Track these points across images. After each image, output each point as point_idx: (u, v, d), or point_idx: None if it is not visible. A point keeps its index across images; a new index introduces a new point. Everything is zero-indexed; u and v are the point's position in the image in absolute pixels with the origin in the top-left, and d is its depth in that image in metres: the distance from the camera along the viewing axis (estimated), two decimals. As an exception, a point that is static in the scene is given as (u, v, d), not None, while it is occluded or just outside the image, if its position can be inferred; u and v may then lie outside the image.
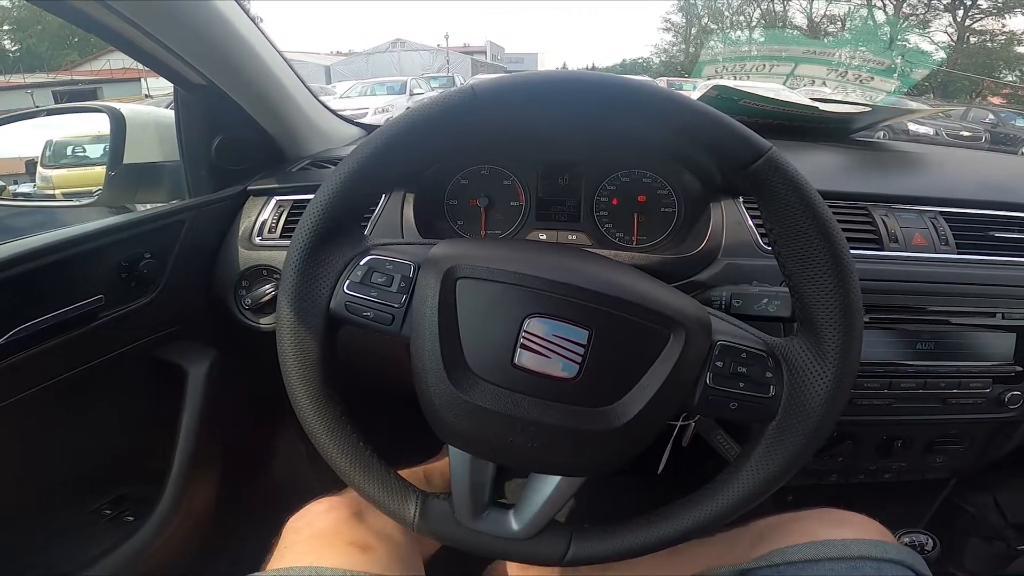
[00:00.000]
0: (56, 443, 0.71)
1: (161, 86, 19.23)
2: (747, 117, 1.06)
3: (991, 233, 0.75)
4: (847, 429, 0.79)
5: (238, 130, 0.85)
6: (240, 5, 0.76)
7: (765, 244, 0.72)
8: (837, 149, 0.94)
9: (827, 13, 24.66)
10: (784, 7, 26.33)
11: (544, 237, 0.78)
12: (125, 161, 0.83)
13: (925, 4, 21.63)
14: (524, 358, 0.42)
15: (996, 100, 18.25)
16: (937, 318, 0.72)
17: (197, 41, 0.72)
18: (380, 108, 9.60)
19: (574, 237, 0.77)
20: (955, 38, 21.31)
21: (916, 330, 0.72)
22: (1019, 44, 20.38)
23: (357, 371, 0.64)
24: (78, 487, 0.75)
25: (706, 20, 30.47)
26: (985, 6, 20.48)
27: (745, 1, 27.46)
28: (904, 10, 21.96)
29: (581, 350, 0.42)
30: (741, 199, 0.74)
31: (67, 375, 0.67)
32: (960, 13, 21.00)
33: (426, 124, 0.44)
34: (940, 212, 0.76)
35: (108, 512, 0.77)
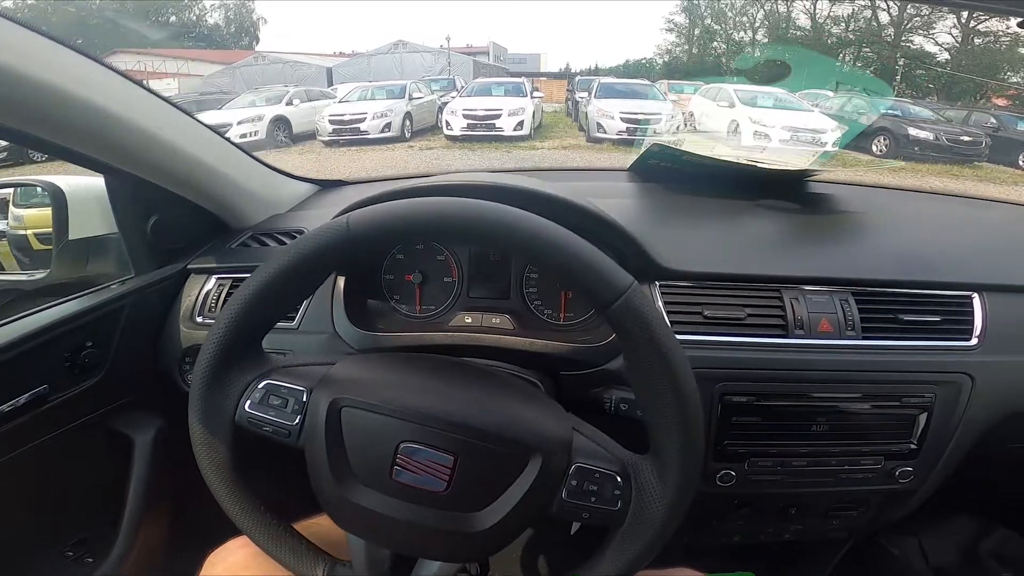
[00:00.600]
0: (22, 498, 0.78)
1: (163, 88, 19.29)
2: (694, 169, 1.07)
3: (899, 316, 0.77)
4: (745, 498, 0.82)
5: (173, 208, 0.85)
6: (149, 90, 0.75)
7: (676, 333, 0.74)
8: (766, 217, 0.94)
9: (831, 14, 24.57)
10: (787, 8, 26.24)
11: (469, 321, 0.80)
12: (71, 236, 0.85)
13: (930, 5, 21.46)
14: (400, 474, 0.48)
15: (1000, 101, 18.15)
16: (836, 404, 0.74)
17: (82, 136, 0.69)
18: (378, 113, 9.60)
19: (497, 320, 0.80)
20: (959, 39, 21.22)
21: (812, 413, 0.74)
22: (1023, 46, 20.26)
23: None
24: (43, 533, 0.83)
25: (709, 21, 30.40)
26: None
27: (748, 2, 27.41)
28: (908, 11, 21.86)
29: (448, 471, 0.48)
30: (657, 284, 0.76)
31: (23, 449, 0.74)
32: (964, 14, 20.87)
33: (303, 264, 0.49)
34: (852, 292, 0.78)
35: (70, 554, 0.86)
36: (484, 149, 8.72)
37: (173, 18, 32.78)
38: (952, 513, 1.11)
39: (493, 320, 0.80)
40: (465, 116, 9.34)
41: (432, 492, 0.48)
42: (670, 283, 0.77)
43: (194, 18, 33.05)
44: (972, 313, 0.79)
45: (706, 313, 0.75)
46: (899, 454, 0.77)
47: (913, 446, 0.77)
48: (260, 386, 0.51)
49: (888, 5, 22.29)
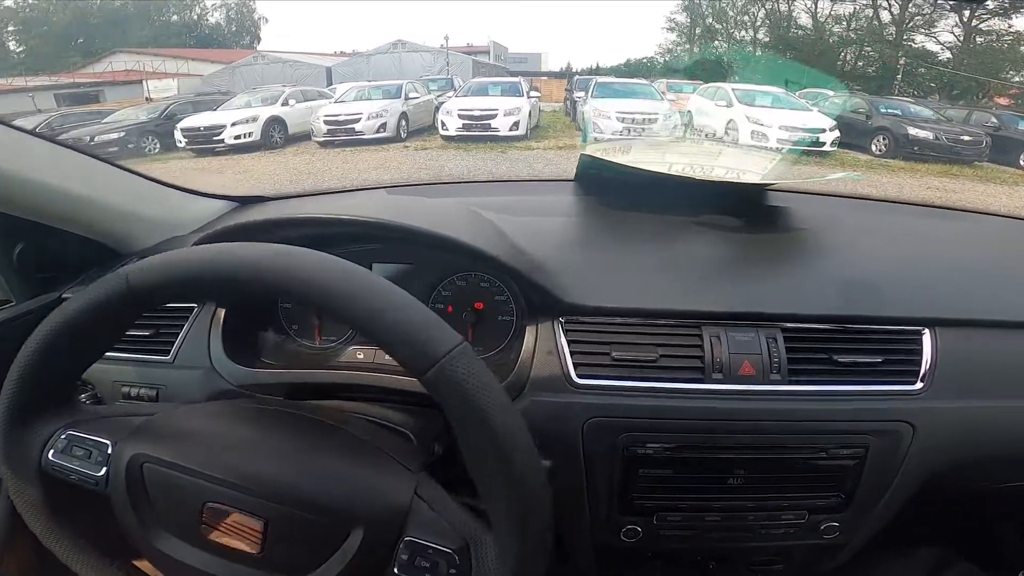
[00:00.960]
0: None
1: (162, 88, 19.32)
2: (639, 179, 0.99)
3: (834, 356, 0.68)
4: (659, 549, 0.76)
5: (41, 236, 0.79)
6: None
7: (578, 378, 0.68)
8: (702, 239, 0.86)
9: (832, 13, 24.40)
10: (789, 7, 26.09)
11: (361, 356, 0.75)
12: None
13: (931, 4, 21.36)
14: (209, 533, 0.46)
15: (1003, 101, 18.00)
16: (754, 456, 0.67)
17: None
18: (373, 113, 9.55)
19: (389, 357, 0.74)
20: (961, 38, 21.05)
21: (728, 466, 0.68)
22: (1025, 44, 20.08)
23: None
24: None
25: (710, 20, 30.25)
26: (992, 6, 20.21)
27: (749, 1, 27.25)
28: (910, 9, 21.71)
29: (260, 534, 0.45)
30: (562, 319, 0.70)
31: None
32: (967, 13, 20.73)
33: (78, 322, 0.46)
34: (781, 329, 0.69)
35: None
36: (479, 150, 8.68)
37: (175, 17, 32.84)
38: (910, 546, 1.05)
39: (385, 356, 0.74)
40: (460, 116, 9.29)
41: (246, 553, 0.45)
42: (576, 319, 0.70)
43: (195, 18, 33.10)
44: (919, 352, 0.70)
45: (614, 354, 0.68)
46: (825, 508, 0.70)
47: (841, 499, 0.70)
48: (63, 436, 0.50)
49: (889, 3, 22.18)
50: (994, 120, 10.86)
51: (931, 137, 9.25)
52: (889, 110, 10.32)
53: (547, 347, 0.68)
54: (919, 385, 0.69)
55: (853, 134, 9.47)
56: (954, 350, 0.71)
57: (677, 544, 0.72)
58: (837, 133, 8.82)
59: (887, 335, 0.70)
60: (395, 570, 0.44)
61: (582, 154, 0.94)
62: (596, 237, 0.85)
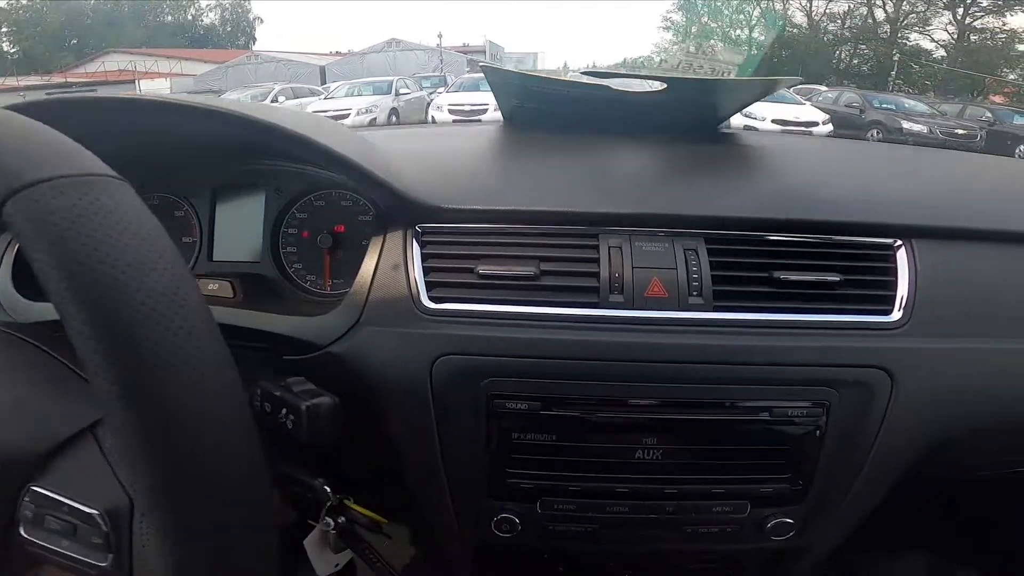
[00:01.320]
0: None
1: (155, 87, 19.22)
2: (573, 110, 0.81)
3: (775, 273, 0.50)
4: (551, 549, 0.59)
5: None
6: None
7: (429, 301, 0.50)
8: (626, 150, 0.70)
9: (827, 11, 24.41)
10: (784, 5, 26.09)
11: (215, 288, 0.60)
12: None
13: (925, 1, 21.36)
14: None
15: (998, 99, 17.97)
16: (670, 416, 0.49)
17: None
18: (363, 108, 9.52)
19: (215, 287, 0.58)
20: (955, 36, 21.04)
21: (635, 431, 0.49)
22: (1019, 42, 20.11)
23: None
24: None
25: (706, 19, 30.20)
26: (985, 4, 20.22)
27: (744, -1, 27.23)
28: (904, 7, 21.71)
29: None
30: (417, 228, 0.53)
31: None
32: (960, 11, 20.73)
33: None
34: (705, 238, 0.51)
35: None
36: (470, 144, 8.62)
37: (169, 18, 32.77)
38: (898, 550, 0.85)
39: (210, 286, 0.58)
40: (451, 111, 9.23)
41: None
42: (434, 226, 0.53)
43: (190, 18, 33.05)
44: (894, 272, 0.51)
45: (480, 270, 0.50)
46: (772, 498, 0.51)
47: (795, 484, 0.51)
48: None
49: (884, 1, 22.17)
50: (988, 115, 10.81)
51: (925, 131, 9.20)
52: (883, 105, 10.29)
53: (393, 260, 0.52)
54: (896, 315, 0.50)
55: (847, 128, 9.42)
56: (943, 270, 0.53)
57: (574, 544, 0.53)
58: (831, 127, 8.76)
59: (846, 248, 0.52)
60: (23, 532, 0.33)
61: (482, 65, 0.81)
62: (488, 148, 0.71)
